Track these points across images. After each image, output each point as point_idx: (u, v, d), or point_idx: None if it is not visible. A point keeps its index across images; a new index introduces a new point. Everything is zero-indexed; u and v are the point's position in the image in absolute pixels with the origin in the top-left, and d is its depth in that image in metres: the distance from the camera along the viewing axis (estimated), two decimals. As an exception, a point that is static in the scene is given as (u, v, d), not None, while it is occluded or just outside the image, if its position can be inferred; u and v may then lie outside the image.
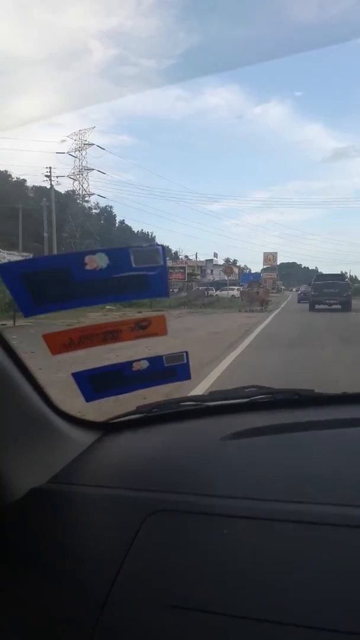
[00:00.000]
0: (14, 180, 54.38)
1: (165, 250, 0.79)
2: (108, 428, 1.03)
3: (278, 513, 0.66)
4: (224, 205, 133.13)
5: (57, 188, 48.69)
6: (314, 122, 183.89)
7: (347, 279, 22.92)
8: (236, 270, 50.22)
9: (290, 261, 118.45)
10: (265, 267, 62.84)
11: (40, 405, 0.82)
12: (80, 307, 0.76)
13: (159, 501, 0.72)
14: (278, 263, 71.09)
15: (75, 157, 49.46)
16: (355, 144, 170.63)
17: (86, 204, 54.47)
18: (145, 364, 0.93)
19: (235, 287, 34.82)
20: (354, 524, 0.63)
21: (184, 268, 45.43)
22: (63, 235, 46.14)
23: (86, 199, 53.29)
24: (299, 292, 34.92)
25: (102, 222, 64.57)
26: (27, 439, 0.79)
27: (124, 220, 72.75)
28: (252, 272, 52.72)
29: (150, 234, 72.94)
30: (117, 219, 71.13)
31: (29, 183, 53.46)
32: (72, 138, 49.39)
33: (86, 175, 50.61)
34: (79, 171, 50.12)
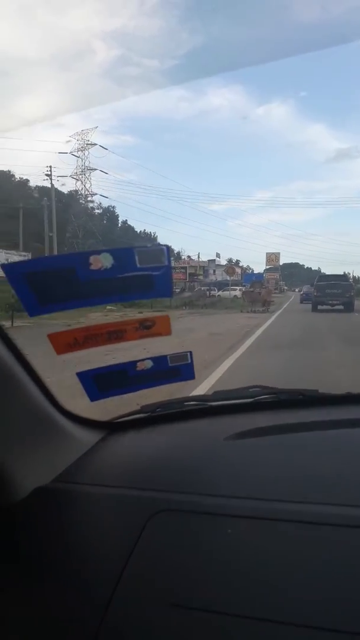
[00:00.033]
0: (17, 180, 54.52)
1: (170, 250, 0.79)
2: (112, 427, 1.03)
3: (282, 513, 0.66)
4: (227, 205, 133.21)
5: (60, 188, 48.90)
6: (317, 122, 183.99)
7: (349, 280, 22.85)
8: (238, 270, 50.10)
9: (293, 261, 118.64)
10: (267, 267, 62.86)
11: (45, 405, 0.82)
12: (85, 307, 0.77)
13: (163, 501, 0.72)
14: (281, 263, 70.97)
15: (78, 157, 49.63)
16: (359, 145, 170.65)
17: (89, 204, 54.60)
18: (149, 364, 0.93)
19: (238, 288, 34.75)
20: (357, 525, 0.63)
21: (185, 268, 45.42)
22: (66, 235, 46.19)
23: (89, 199, 53.43)
24: (302, 292, 34.88)
25: (104, 222, 64.57)
26: (32, 438, 0.79)
27: (126, 220, 72.79)
28: (255, 272, 52.66)
29: (152, 234, 73.07)
30: (120, 219, 71.28)
31: (32, 183, 53.60)
32: (74, 138, 49.55)
33: (89, 176, 50.75)
34: (82, 171, 50.25)
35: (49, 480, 0.78)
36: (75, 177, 50.48)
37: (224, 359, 6.73)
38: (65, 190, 53.37)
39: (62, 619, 0.59)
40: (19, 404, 0.76)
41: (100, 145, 49.83)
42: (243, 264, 75.93)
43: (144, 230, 74.56)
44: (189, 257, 53.84)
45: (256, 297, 21.61)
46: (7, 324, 10.40)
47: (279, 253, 65.79)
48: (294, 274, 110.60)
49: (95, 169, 50.09)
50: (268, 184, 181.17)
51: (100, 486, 0.79)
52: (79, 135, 49.37)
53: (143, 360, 0.93)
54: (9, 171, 54.78)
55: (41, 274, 0.73)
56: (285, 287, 72.51)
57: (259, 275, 39.12)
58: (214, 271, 51.12)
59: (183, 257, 54.19)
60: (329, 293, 19.72)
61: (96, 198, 55.36)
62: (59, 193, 51.46)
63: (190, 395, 3.11)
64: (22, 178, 53.96)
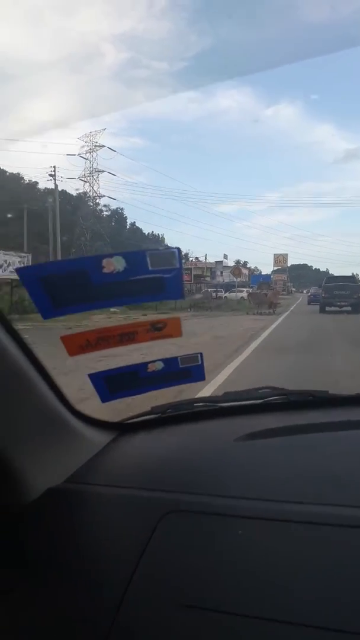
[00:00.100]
0: (26, 182, 54.84)
1: (181, 253, 0.80)
2: (123, 428, 1.03)
3: (292, 514, 0.67)
4: (236, 206, 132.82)
5: (68, 190, 49.03)
6: (325, 123, 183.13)
7: (358, 281, 22.68)
8: (245, 271, 50.01)
9: (301, 262, 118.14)
10: (275, 268, 62.52)
11: (57, 405, 0.83)
12: (97, 309, 0.78)
13: (173, 502, 0.72)
14: (289, 264, 70.62)
15: (86, 159, 49.77)
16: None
17: (97, 206, 54.75)
18: (160, 365, 0.94)
19: (245, 289, 34.63)
20: None
21: (190, 269, 45.30)
22: (74, 237, 46.33)
23: (97, 200, 53.57)
24: (309, 293, 34.71)
25: (113, 224, 64.72)
26: (44, 438, 0.79)
27: (134, 222, 72.78)
28: (263, 273, 52.47)
29: (160, 236, 73.01)
30: (128, 221, 71.34)
31: (41, 185, 53.91)
32: (82, 140, 49.71)
33: (96, 178, 50.88)
34: (90, 173, 50.41)
35: (61, 481, 0.79)
36: (83, 179, 50.70)
37: (226, 364, 6.50)
38: (74, 192, 53.74)
39: (73, 620, 0.59)
40: (31, 404, 0.77)
41: (109, 147, 50.02)
42: (251, 265, 75.72)
43: (152, 231, 74.62)
44: (196, 258, 53.83)
45: (262, 298, 21.41)
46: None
47: (287, 254, 65.39)
48: (302, 275, 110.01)
49: (103, 171, 50.27)
50: (276, 184, 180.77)
51: (112, 487, 0.80)
52: (87, 137, 49.60)
53: (154, 361, 0.94)
54: (19, 173, 55.21)
55: (55, 278, 0.74)
56: (293, 289, 72.15)
57: (267, 276, 38.96)
58: (221, 272, 50.93)
59: (191, 258, 54.16)
60: (337, 294, 19.61)
61: (105, 200, 55.54)
62: (67, 195, 51.72)
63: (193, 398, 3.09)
64: (31, 180, 54.32)
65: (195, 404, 1.14)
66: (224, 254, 60.84)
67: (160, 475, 0.83)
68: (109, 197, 53.74)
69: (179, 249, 0.79)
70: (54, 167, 38.01)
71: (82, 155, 49.31)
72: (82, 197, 53.30)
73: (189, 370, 0.97)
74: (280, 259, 62.97)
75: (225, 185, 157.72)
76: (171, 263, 0.78)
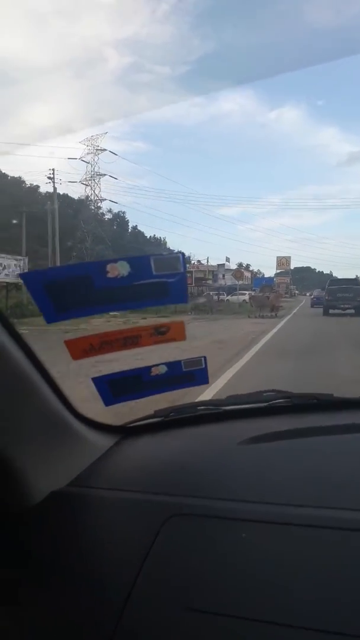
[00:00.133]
0: (27, 186, 55.06)
1: (185, 257, 0.80)
2: (126, 432, 1.03)
3: (295, 517, 0.67)
4: (238, 209, 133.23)
5: (70, 194, 49.12)
6: (329, 126, 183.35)
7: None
8: (247, 274, 49.90)
9: (305, 265, 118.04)
10: (278, 271, 62.53)
11: (60, 409, 0.83)
12: (101, 313, 0.78)
13: (177, 505, 0.72)
14: (292, 267, 70.59)
15: (87, 163, 49.97)
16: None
17: (98, 210, 54.88)
18: (163, 369, 0.94)
19: (247, 292, 34.57)
20: None
21: (192, 272, 45.21)
22: (74, 240, 46.38)
23: (98, 204, 53.71)
24: (312, 296, 34.65)
25: (114, 227, 64.89)
26: (47, 442, 0.80)
27: (136, 225, 72.99)
28: (266, 276, 52.46)
29: (162, 239, 73.14)
30: (130, 225, 71.48)
31: (43, 189, 54.11)
32: (84, 144, 49.91)
33: (98, 181, 51.05)
34: (91, 177, 50.57)
35: (64, 484, 0.79)
36: (84, 182, 50.87)
37: (225, 369, 6.38)
38: (75, 196, 53.90)
39: (77, 623, 0.59)
40: (34, 407, 0.77)
41: (110, 151, 50.31)
42: (253, 268, 75.90)
43: (154, 235, 74.79)
44: (198, 261, 53.79)
45: (264, 301, 21.20)
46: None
47: (290, 257, 65.41)
48: (305, 278, 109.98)
49: (105, 175, 50.47)
50: (280, 187, 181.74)
51: (115, 490, 0.80)
52: (89, 140, 49.80)
53: (157, 365, 0.94)
54: (20, 177, 55.46)
55: (59, 283, 0.74)
56: (297, 292, 72.03)
57: (270, 279, 39.02)
58: (224, 275, 50.89)
59: (193, 261, 54.19)
60: (341, 297, 19.59)
61: (107, 204, 55.74)
62: (68, 199, 51.87)
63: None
64: (32, 184, 54.55)
65: (198, 407, 1.13)
66: (226, 257, 60.88)
67: (163, 479, 0.83)
68: (110, 200, 54.19)
69: (182, 254, 0.79)
70: (53, 169, 38.09)
71: (83, 159, 49.58)
72: (83, 201, 53.50)
73: (192, 373, 0.97)
74: (283, 261, 62.90)
75: (227, 188, 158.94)
76: (175, 268, 0.78)
